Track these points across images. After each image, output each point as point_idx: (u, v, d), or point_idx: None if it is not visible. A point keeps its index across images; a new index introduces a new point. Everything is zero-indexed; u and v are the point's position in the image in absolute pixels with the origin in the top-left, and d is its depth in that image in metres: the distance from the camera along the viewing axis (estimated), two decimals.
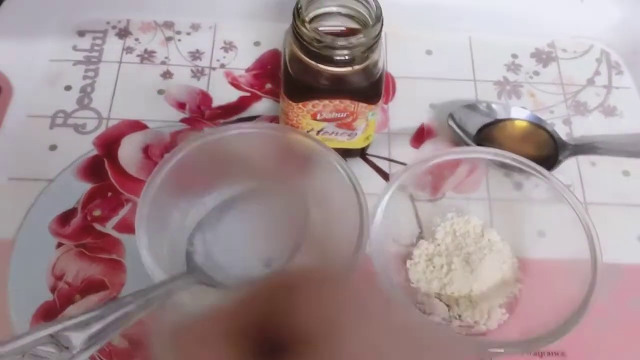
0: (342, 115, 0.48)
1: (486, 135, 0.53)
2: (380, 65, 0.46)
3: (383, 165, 0.53)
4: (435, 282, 0.45)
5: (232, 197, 0.47)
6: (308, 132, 0.49)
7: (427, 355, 0.27)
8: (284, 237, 0.45)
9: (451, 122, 0.53)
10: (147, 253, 0.40)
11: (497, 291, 0.45)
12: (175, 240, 0.45)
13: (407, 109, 0.56)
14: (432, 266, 0.46)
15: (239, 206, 0.47)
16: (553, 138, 0.53)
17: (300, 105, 0.47)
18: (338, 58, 0.44)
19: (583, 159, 0.53)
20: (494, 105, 0.54)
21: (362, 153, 0.53)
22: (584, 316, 0.39)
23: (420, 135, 0.55)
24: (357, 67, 0.44)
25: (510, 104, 0.56)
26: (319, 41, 0.43)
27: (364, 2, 0.45)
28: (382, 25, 0.44)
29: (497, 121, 0.54)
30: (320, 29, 0.45)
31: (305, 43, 0.43)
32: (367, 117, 0.48)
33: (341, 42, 0.43)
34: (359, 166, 0.53)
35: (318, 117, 0.48)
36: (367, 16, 0.44)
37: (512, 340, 0.40)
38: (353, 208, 0.42)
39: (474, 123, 0.53)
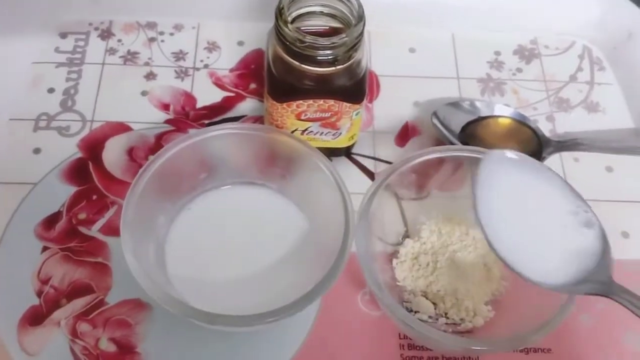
0: (326, 115, 0.48)
1: (470, 132, 0.53)
2: (363, 64, 0.46)
3: (368, 164, 0.53)
4: (421, 280, 0.45)
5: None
6: (293, 132, 0.49)
7: None
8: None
9: (435, 120, 0.53)
10: (132, 257, 0.40)
11: (482, 288, 0.45)
12: (161, 243, 0.45)
13: (391, 107, 0.56)
14: (417, 264, 0.46)
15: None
16: (537, 135, 0.53)
17: (284, 105, 0.47)
18: (321, 58, 0.44)
19: (566, 155, 0.54)
20: (477, 103, 0.54)
21: (347, 152, 0.53)
22: (569, 312, 0.39)
23: (405, 134, 0.55)
24: (340, 66, 0.44)
25: (494, 102, 0.56)
26: (301, 41, 0.43)
27: (346, 2, 0.44)
28: (364, 24, 0.44)
29: (481, 118, 0.54)
30: (303, 28, 0.45)
31: (288, 43, 0.43)
32: (351, 116, 0.48)
33: (324, 42, 0.43)
34: (344, 165, 0.53)
35: (302, 117, 0.48)
36: (350, 15, 0.44)
37: (498, 338, 0.40)
38: (338, 208, 0.42)
39: (457, 121, 0.54)
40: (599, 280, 0.36)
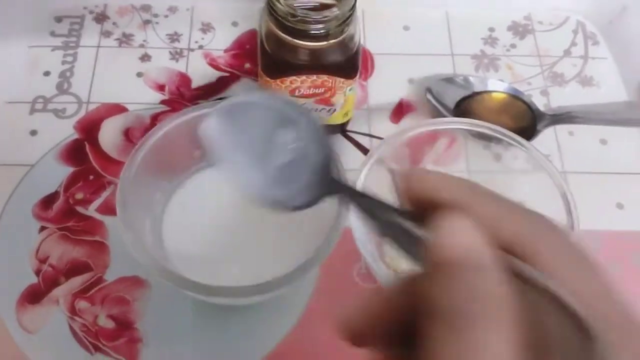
0: (320, 91, 0.48)
1: (464, 108, 0.53)
2: (356, 39, 0.46)
3: (363, 141, 0.53)
4: None
5: None
6: None
7: None
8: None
9: (429, 96, 0.54)
10: (129, 233, 0.40)
11: None
12: (157, 219, 0.45)
13: (385, 85, 0.57)
14: None
15: None
16: (531, 109, 0.53)
17: (278, 81, 0.47)
18: (313, 32, 0.44)
19: (561, 128, 0.54)
20: (471, 78, 0.54)
21: (342, 129, 0.53)
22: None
23: (400, 111, 0.55)
24: (332, 41, 0.45)
25: (488, 77, 0.56)
26: (293, 15, 0.43)
27: None
28: None
29: (475, 94, 0.54)
30: (295, 4, 0.45)
31: (280, 18, 0.43)
32: (345, 92, 0.48)
33: (315, 15, 0.43)
34: (339, 143, 0.53)
35: (296, 93, 0.48)
36: None
37: None
38: None
39: (451, 96, 0.54)
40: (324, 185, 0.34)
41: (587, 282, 0.23)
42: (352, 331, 0.25)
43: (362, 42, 0.57)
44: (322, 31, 0.44)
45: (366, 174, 0.44)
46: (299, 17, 0.43)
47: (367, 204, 0.29)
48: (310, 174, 0.35)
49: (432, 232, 0.23)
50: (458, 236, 0.22)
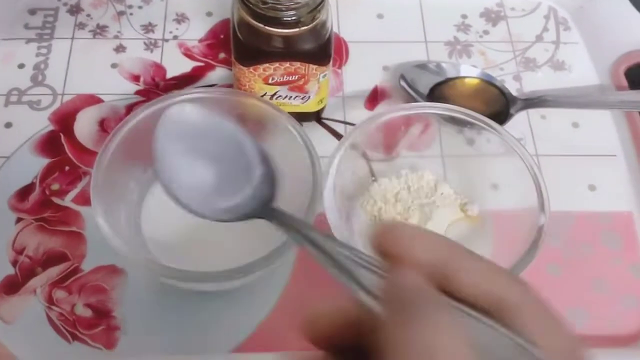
0: (293, 78, 0.48)
1: (438, 94, 0.54)
2: (328, 25, 0.47)
3: (339, 128, 0.54)
4: None
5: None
6: (262, 96, 0.49)
7: None
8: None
9: (403, 83, 0.54)
10: (103, 222, 0.40)
11: None
12: (131, 208, 0.45)
13: (360, 72, 0.57)
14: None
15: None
16: (503, 93, 0.54)
17: (251, 69, 0.47)
18: (285, 19, 0.44)
19: (533, 112, 0.54)
20: (444, 65, 0.55)
21: (317, 117, 0.54)
22: (531, 260, 0.40)
23: (374, 98, 0.55)
24: (304, 28, 0.45)
25: (462, 63, 0.57)
26: (264, 2, 0.43)
27: None
28: None
29: (448, 80, 0.55)
30: None
31: (251, 6, 0.44)
32: (318, 79, 0.49)
33: (286, 2, 0.43)
34: (315, 130, 0.53)
35: (270, 80, 0.48)
36: None
37: None
38: (306, 168, 0.43)
39: (425, 83, 0.54)
40: (258, 207, 0.36)
41: (555, 338, 0.24)
42: (314, 334, 0.25)
43: (336, 30, 0.58)
44: (293, 18, 0.44)
45: (339, 159, 0.44)
46: (270, 4, 0.43)
47: (303, 237, 0.29)
48: (252, 191, 0.37)
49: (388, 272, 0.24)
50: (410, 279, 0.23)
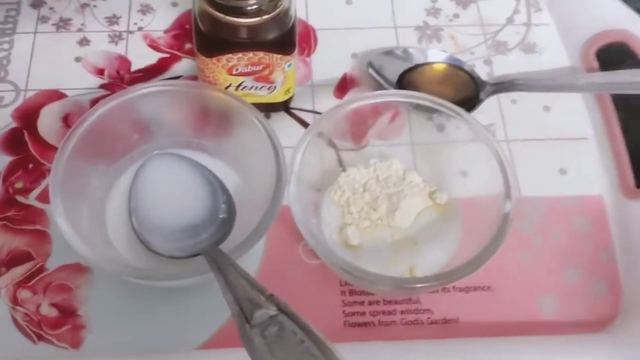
0: (258, 69, 0.47)
1: (407, 81, 0.53)
2: (291, 13, 0.46)
3: (308, 118, 0.53)
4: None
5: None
6: (227, 88, 0.48)
7: None
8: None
9: (371, 71, 0.53)
10: (63, 220, 0.40)
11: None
12: (95, 205, 0.45)
13: (329, 60, 0.56)
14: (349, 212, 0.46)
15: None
16: (472, 78, 0.53)
17: (214, 60, 0.46)
18: (246, 8, 0.43)
19: (504, 97, 0.54)
20: (411, 50, 0.54)
21: (285, 107, 0.53)
22: (497, 248, 0.39)
23: (344, 86, 0.55)
24: (266, 17, 0.44)
25: (431, 48, 0.56)
26: None
27: None
28: None
29: (417, 66, 0.54)
30: None
31: None
32: (283, 68, 0.48)
33: None
34: (283, 120, 0.52)
35: (234, 71, 0.47)
36: None
37: (428, 275, 0.40)
38: (270, 160, 0.42)
39: (393, 70, 0.54)
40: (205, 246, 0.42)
41: None
42: None
43: (305, 17, 0.57)
44: (254, 7, 0.43)
45: (304, 149, 0.43)
46: None
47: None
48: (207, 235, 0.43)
49: None
50: None
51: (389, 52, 0.54)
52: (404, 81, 0.53)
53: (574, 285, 0.46)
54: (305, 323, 0.32)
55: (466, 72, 0.53)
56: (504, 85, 0.53)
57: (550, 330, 0.44)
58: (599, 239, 0.48)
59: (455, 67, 0.54)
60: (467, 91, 0.53)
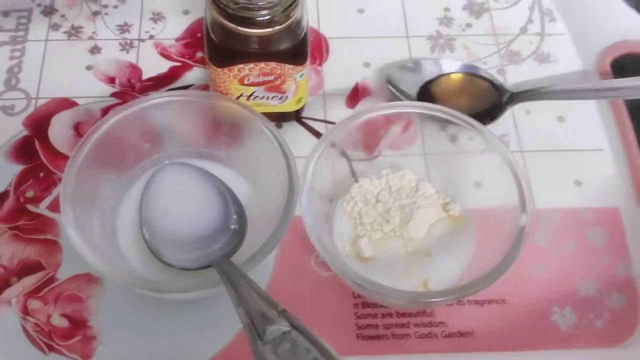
0: (270, 79, 0.47)
1: (429, 93, 0.53)
2: (303, 24, 0.46)
3: (319, 127, 0.53)
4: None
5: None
6: (238, 97, 0.48)
7: None
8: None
9: (390, 87, 0.53)
10: (73, 230, 0.39)
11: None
12: (106, 215, 0.44)
13: (341, 69, 0.56)
14: (361, 224, 0.46)
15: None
16: (494, 86, 0.53)
17: (225, 70, 0.46)
18: (258, 19, 0.43)
19: (518, 107, 0.53)
20: (424, 62, 0.54)
21: (297, 116, 0.53)
22: (512, 262, 0.39)
23: (355, 95, 0.54)
24: (278, 27, 0.44)
25: (444, 57, 0.56)
26: (235, 2, 0.42)
27: None
28: None
29: (437, 77, 0.54)
30: None
31: (222, 6, 0.42)
32: (295, 78, 0.47)
33: (259, 1, 0.42)
34: (295, 130, 0.52)
35: (246, 81, 0.47)
36: None
37: (443, 289, 0.40)
38: (282, 170, 0.42)
39: (413, 82, 0.53)
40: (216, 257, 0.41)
41: None
42: None
43: (317, 27, 0.57)
44: (266, 17, 0.43)
45: (317, 159, 0.43)
46: (242, 4, 0.42)
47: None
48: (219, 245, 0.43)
49: None
50: None
51: (406, 67, 0.54)
52: (425, 93, 0.53)
53: (590, 298, 0.45)
54: (317, 340, 0.32)
55: (489, 80, 0.53)
56: (527, 94, 0.52)
57: (567, 344, 0.44)
58: (615, 251, 0.47)
59: (477, 76, 0.53)
60: (490, 99, 0.52)
